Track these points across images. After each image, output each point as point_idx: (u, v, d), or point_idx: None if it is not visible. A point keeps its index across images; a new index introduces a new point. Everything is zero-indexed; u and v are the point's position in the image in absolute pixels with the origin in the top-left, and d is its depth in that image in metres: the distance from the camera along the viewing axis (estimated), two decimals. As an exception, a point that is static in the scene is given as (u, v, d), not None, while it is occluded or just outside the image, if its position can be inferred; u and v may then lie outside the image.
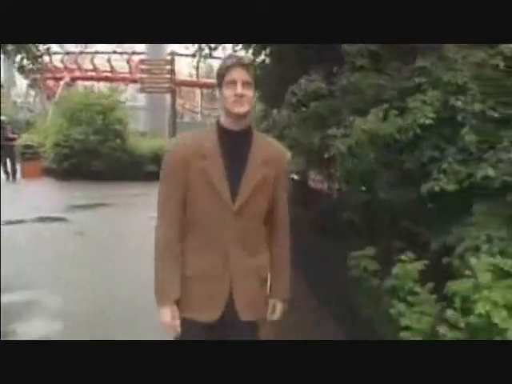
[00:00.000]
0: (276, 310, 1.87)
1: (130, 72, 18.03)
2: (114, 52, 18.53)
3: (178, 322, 1.69)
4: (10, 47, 5.07)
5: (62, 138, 11.22)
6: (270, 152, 1.72)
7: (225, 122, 1.67)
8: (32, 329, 3.29)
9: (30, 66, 6.00)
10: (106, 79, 16.95)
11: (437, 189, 2.94)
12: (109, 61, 18.42)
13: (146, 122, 17.03)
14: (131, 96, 17.52)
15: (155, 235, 1.70)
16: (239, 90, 1.58)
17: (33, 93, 24.96)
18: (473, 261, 2.24)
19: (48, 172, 11.41)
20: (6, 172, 11.25)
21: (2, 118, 11.79)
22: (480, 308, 2.03)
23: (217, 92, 1.70)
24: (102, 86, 14.54)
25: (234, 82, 1.59)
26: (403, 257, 2.87)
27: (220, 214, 1.65)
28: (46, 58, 8.07)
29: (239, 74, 1.59)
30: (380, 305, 2.99)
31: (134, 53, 18.51)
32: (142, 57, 15.38)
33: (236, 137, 1.67)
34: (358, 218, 3.86)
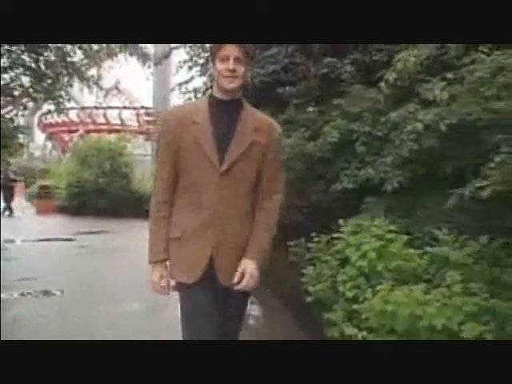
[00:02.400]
0: (245, 273, 1.68)
1: (139, 125, 19.86)
2: (125, 107, 20.60)
3: (164, 283, 1.71)
4: (39, 96, 6.48)
5: (74, 179, 12.59)
6: (260, 121, 1.76)
7: (216, 93, 1.75)
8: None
9: (54, 111, 7.36)
10: (116, 131, 18.62)
11: (339, 187, 4.07)
12: (119, 115, 20.42)
13: (152, 167, 18.49)
14: (140, 145, 19.05)
15: (151, 197, 1.79)
16: (231, 65, 1.64)
17: (49, 145, 26.95)
18: (342, 222, 3.32)
19: (60, 209, 12.68)
20: (9, 208, 12.54)
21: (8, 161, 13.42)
22: (339, 246, 3.11)
23: (210, 66, 1.97)
24: (112, 137, 16.09)
25: (227, 58, 1.65)
26: (316, 238, 3.92)
27: (207, 175, 1.68)
28: (65, 111, 9.39)
29: (232, 50, 1.64)
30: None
31: (142, 107, 20.49)
32: (149, 111, 17.13)
33: (226, 106, 1.73)
34: (300, 218, 4.96)
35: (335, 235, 3.29)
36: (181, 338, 1.71)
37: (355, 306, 2.60)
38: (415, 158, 3.68)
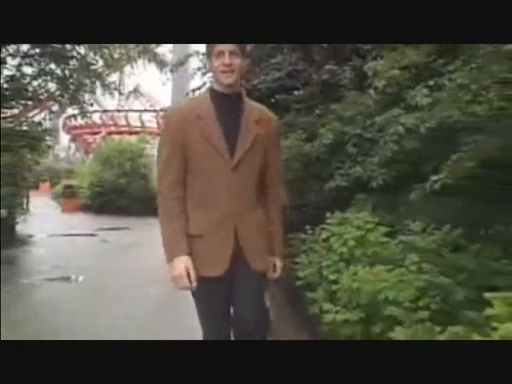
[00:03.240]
0: (276, 267, 1.93)
1: (158, 126, 20.57)
2: (145, 110, 21.43)
3: (193, 274, 1.67)
4: (64, 100, 7.09)
5: (96, 179, 13.26)
6: (260, 113, 1.82)
7: (217, 87, 1.78)
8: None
9: (78, 115, 7.99)
10: (137, 133, 19.37)
11: (333, 185, 4.46)
12: (140, 117, 21.24)
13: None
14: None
15: (158, 196, 1.77)
16: (227, 60, 1.68)
17: (73, 146, 28.01)
18: (328, 215, 3.72)
19: (84, 207, 13.42)
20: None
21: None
22: (323, 235, 3.51)
23: (207, 61, 1.83)
24: (133, 139, 16.78)
25: (222, 53, 1.68)
26: (310, 231, 4.32)
27: (219, 170, 1.71)
28: (88, 115, 10.02)
29: (226, 45, 1.67)
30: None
31: (161, 110, 21.19)
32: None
33: (228, 99, 1.77)
34: (300, 217, 5.36)
35: (323, 226, 3.70)
36: (181, 334, 1.93)
37: (334, 287, 3.00)
38: (402, 158, 4.06)
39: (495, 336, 1.64)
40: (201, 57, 7.59)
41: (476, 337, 1.68)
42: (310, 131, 4.91)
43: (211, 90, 1.81)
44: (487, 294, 1.96)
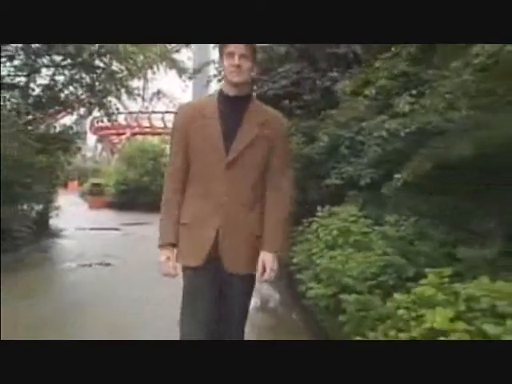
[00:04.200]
0: (266, 265, 1.78)
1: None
2: (167, 111, 22.30)
3: (171, 264, 1.80)
4: (89, 104, 7.85)
5: (121, 178, 14.08)
6: (266, 116, 1.86)
7: (225, 88, 1.85)
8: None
9: (104, 118, 8.74)
10: (160, 134, 20.19)
11: (329, 182, 4.97)
12: (162, 119, 22.09)
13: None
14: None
15: (164, 185, 1.89)
16: (236, 61, 1.74)
17: (100, 147, 29.14)
18: (319, 208, 4.25)
19: (110, 205, 14.28)
20: None
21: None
22: (313, 227, 4.04)
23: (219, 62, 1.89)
24: (155, 139, 17.61)
25: (232, 54, 1.75)
26: (307, 223, 4.85)
27: (214, 165, 1.78)
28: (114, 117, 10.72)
29: (237, 47, 1.74)
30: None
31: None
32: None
33: (234, 101, 1.82)
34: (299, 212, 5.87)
35: (313, 219, 4.23)
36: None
37: (318, 269, 3.53)
38: (391, 158, 4.54)
39: (412, 295, 2.15)
40: (216, 65, 8.19)
41: (398, 296, 2.19)
42: (309, 134, 5.43)
43: (219, 92, 1.90)
44: (427, 270, 2.47)
